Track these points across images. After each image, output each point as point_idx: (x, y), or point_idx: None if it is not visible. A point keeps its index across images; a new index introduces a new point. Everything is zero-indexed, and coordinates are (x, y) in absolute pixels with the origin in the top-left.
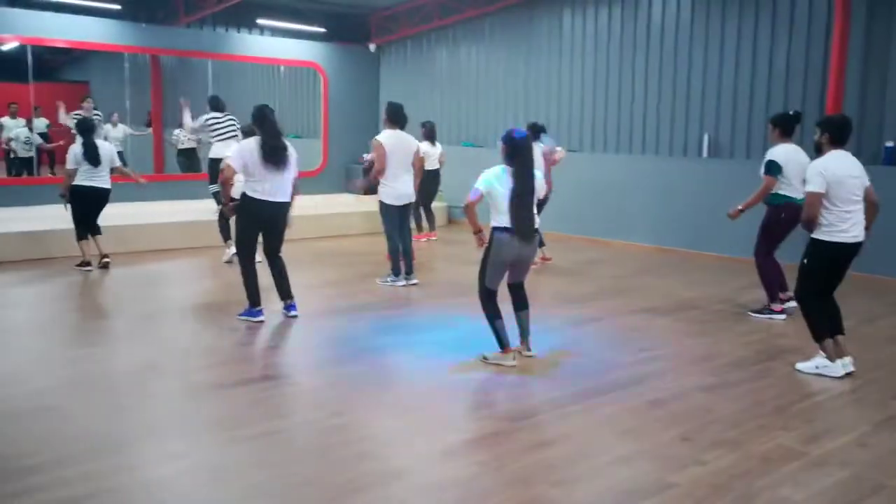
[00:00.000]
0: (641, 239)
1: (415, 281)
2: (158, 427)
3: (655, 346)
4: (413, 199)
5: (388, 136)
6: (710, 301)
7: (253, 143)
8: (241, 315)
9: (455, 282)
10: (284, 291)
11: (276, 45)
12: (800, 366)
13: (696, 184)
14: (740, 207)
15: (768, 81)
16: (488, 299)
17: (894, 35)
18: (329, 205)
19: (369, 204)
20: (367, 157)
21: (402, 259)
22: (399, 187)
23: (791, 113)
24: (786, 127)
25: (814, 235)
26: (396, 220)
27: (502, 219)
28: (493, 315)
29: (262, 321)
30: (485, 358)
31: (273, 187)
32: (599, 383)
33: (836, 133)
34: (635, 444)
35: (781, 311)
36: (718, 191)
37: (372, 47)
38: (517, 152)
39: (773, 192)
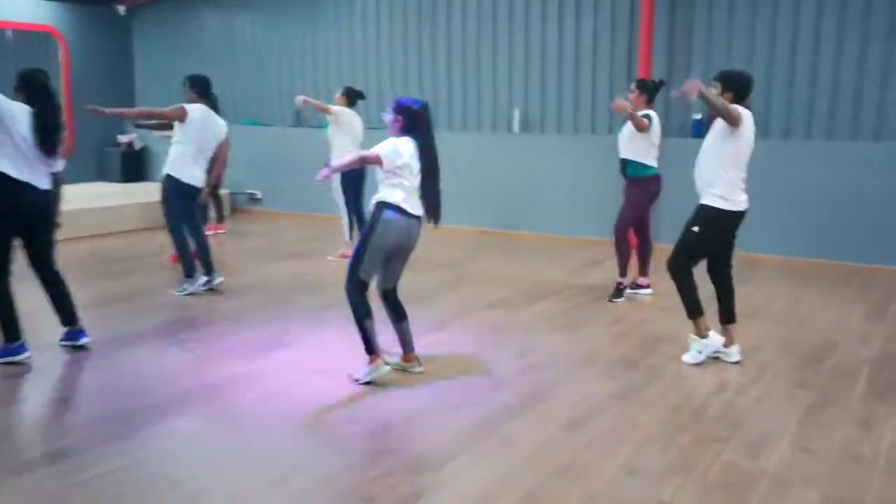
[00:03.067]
0: (453, 220)
1: (220, 279)
2: None
3: (529, 348)
4: (202, 185)
5: (199, 110)
6: (558, 287)
7: (25, 109)
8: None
9: (271, 284)
10: (68, 313)
11: (2, 4)
12: (686, 358)
13: (509, 161)
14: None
15: (576, 56)
16: (359, 293)
17: (698, 7)
18: (85, 197)
19: (138, 195)
20: (123, 138)
21: (195, 256)
22: (195, 170)
23: (656, 80)
24: (653, 94)
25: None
26: (184, 206)
27: (395, 195)
28: (363, 313)
29: (27, 358)
30: (355, 380)
31: (35, 169)
32: (500, 403)
33: (741, 91)
34: (581, 486)
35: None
36: (532, 167)
37: (121, 9)
38: (418, 123)
39: (642, 163)
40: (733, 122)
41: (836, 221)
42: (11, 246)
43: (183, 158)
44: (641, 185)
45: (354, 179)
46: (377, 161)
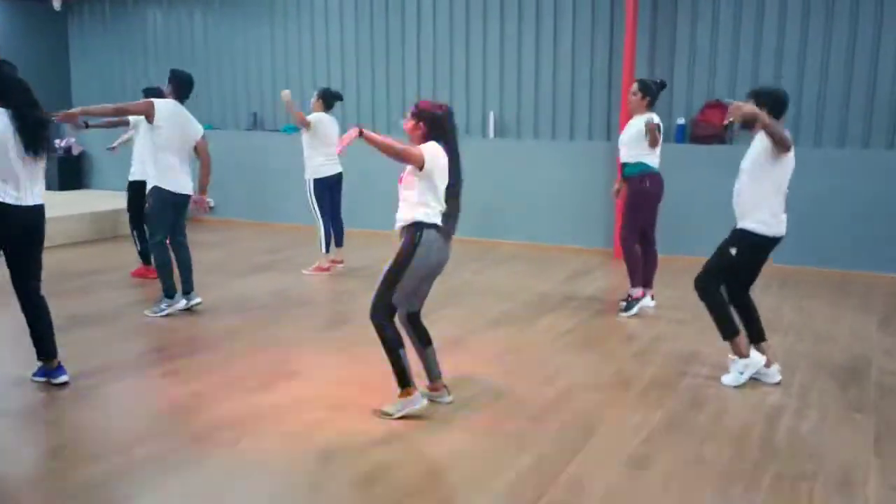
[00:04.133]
0: None
1: (198, 300)
2: None
3: (553, 370)
4: (192, 192)
5: (169, 105)
6: (558, 300)
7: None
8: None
9: (251, 302)
10: (47, 346)
11: None
12: (726, 380)
13: (483, 167)
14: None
15: (553, 59)
16: (389, 321)
17: (681, 12)
18: None
19: (82, 204)
20: (60, 143)
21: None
22: (185, 175)
23: (658, 81)
24: (655, 96)
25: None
26: (171, 219)
27: (433, 212)
28: (396, 342)
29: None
30: (387, 414)
31: (26, 184)
32: (549, 439)
33: (778, 109)
34: None
35: (639, 295)
36: (508, 173)
37: (56, 4)
38: (442, 130)
39: (640, 161)
40: (786, 148)
41: (816, 227)
42: None
43: (171, 168)
44: (639, 184)
45: (330, 186)
46: (419, 160)
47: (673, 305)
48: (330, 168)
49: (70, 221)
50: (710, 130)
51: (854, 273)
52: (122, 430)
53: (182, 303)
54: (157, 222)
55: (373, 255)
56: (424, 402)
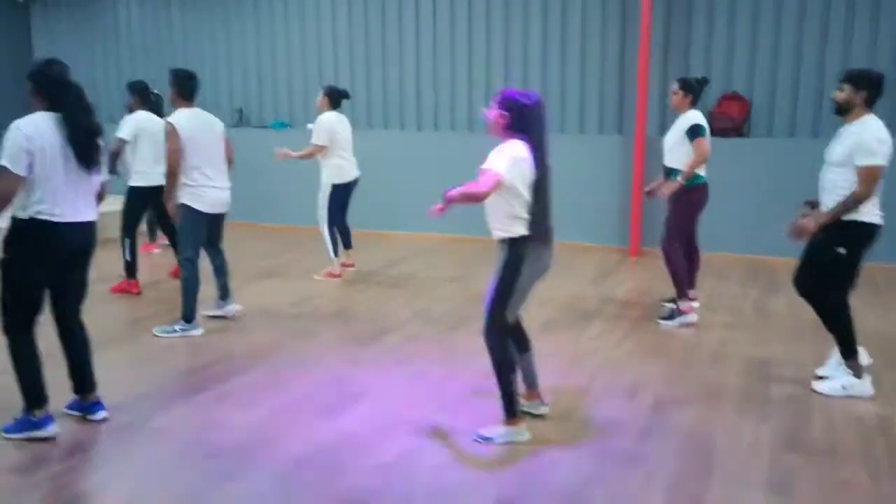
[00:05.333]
0: (426, 227)
1: (238, 307)
2: None
3: (632, 381)
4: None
5: (185, 119)
6: (594, 304)
7: (47, 122)
8: (16, 430)
9: (275, 312)
10: (86, 380)
11: None
12: (824, 389)
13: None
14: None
15: (561, 49)
16: (504, 341)
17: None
18: None
19: None
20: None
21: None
22: (216, 189)
23: (700, 78)
24: (698, 94)
25: (852, 217)
26: (204, 235)
27: (529, 221)
28: (510, 366)
29: (53, 435)
30: (486, 439)
31: (75, 199)
32: (668, 460)
33: (874, 92)
34: None
35: (688, 310)
36: None
37: None
38: (530, 122)
39: (679, 167)
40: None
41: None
42: (42, 294)
43: (205, 183)
44: (686, 196)
45: (343, 193)
46: (495, 185)
47: (706, 305)
48: (350, 172)
49: None
50: (727, 123)
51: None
52: (195, 470)
53: (198, 330)
54: (189, 239)
55: (378, 257)
56: (528, 436)
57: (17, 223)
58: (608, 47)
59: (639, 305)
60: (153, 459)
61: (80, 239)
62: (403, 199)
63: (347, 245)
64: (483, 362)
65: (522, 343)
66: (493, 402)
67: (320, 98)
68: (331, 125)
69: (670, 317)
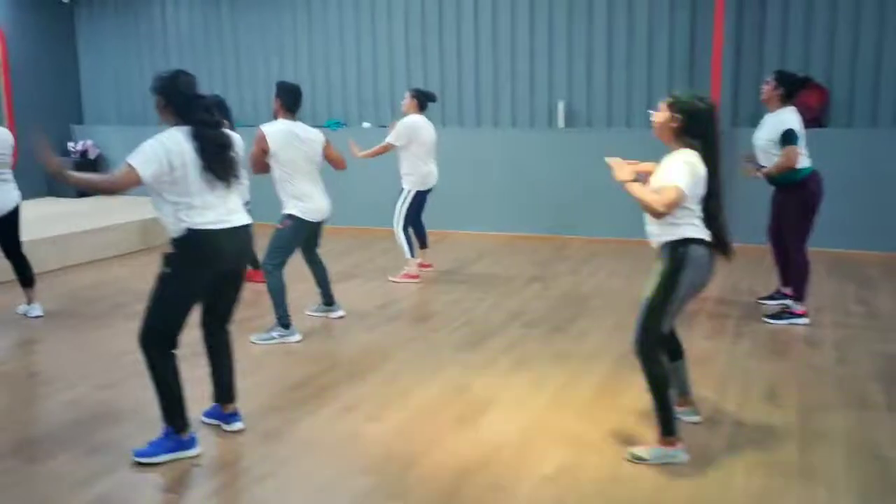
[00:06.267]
0: (490, 227)
1: (341, 312)
2: None
3: (765, 385)
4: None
5: (276, 129)
6: (693, 304)
7: (184, 137)
8: (156, 453)
9: (364, 311)
10: (227, 390)
11: None
12: None
13: (552, 159)
14: (761, 173)
15: (627, 39)
16: (658, 354)
17: None
18: (55, 216)
19: (116, 210)
20: (76, 146)
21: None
22: (318, 197)
23: (801, 76)
24: (793, 92)
25: None
26: (298, 244)
27: (694, 224)
28: (665, 381)
29: (197, 457)
30: (640, 459)
31: (225, 207)
32: (859, 474)
33: None
34: None
35: (805, 313)
36: (580, 165)
37: None
38: (703, 127)
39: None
40: None
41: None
42: (190, 312)
43: (304, 194)
44: (792, 191)
45: (422, 198)
46: (679, 197)
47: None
48: (432, 179)
49: (115, 231)
50: (806, 114)
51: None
52: (354, 488)
53: (296, 336)
54: (280, 249)
55: (447, 257)
56: (687, 457)
57: (175, 241)
58: (676, 37)
59: (737, 304)
60: (307, 476)
61: (237, 244)
62: (464, 197)
63: (424, 245)
64: (602, 367)
65: (676, 350)
66: (629, 410)
67: (407, 100)
68: (414, 128)
69: (779, 316)
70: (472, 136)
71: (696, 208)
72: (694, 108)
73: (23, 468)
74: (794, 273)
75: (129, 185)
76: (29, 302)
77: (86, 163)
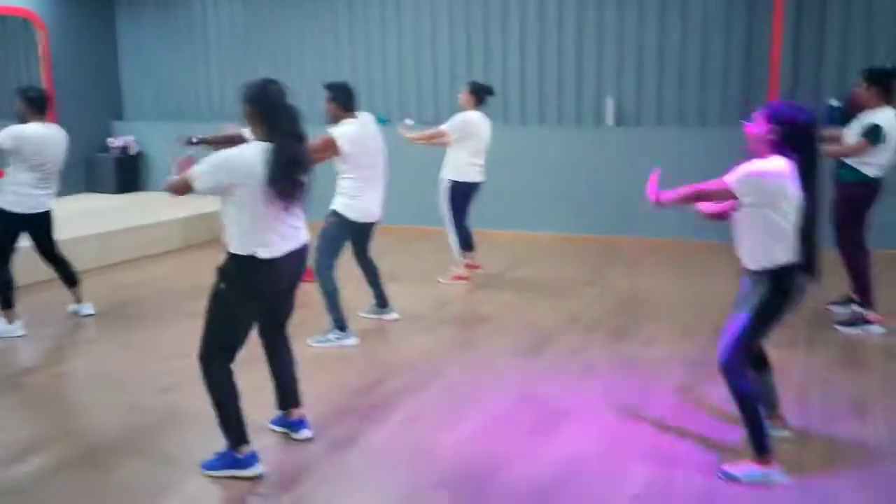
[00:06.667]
0: (535, 227)
1: (395, 315)
2: None
3: (847, 397)
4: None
5: (351, 132)
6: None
7: (258, 154)
8: (218, 467)
9: (415, 314)
10: (292, 395)
11: None
12: None
13: (603, 158)
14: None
15: (682, 32)
16: (745, 373)
17: None
18: (92, 213)
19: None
20: (116, 142)
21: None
22: (372, 198)
23: (889, 67)
24: (887, 86)
25: None
26: (344, 243)
27: (790, 250)
28: (754, 397)
29: (257, 475)
30: (731, 477)
31: (285, 228)
32: None
33: None
34: None
35: (878, 321)
36: (630, 164)
37: None
38: (802, 142)
39: (856, 167)
40: None
41: None
42: (249, 329)
43: (361, 194)
44: (842, 190)
45: (469, 193)
46: (723, 194)
47: (883, 307)
48: (477, 173)
49: (157, 229)
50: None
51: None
52: (432, 497)
53: (352, 339)
54: (330, 249)
55: (495, 257)
56: (784, 479)
57: (235, 259)
58: (733, 33)
59: (804, 309)
60: (382, 490)
61: (295, 266)
62: (508, 196)
63: (470, 247)
64: (675, 374)
65: (761, 363)
66: (713, 421)
67: (464, 95)
68: (472, 124)
69: (851, 322)
70: (517, 134)
71: (784, 221)
72: (795, 120)
73: (94, 476)
74: (852, 276)
75: (188, 191)
76: (78, 301)
77: (126, 159)
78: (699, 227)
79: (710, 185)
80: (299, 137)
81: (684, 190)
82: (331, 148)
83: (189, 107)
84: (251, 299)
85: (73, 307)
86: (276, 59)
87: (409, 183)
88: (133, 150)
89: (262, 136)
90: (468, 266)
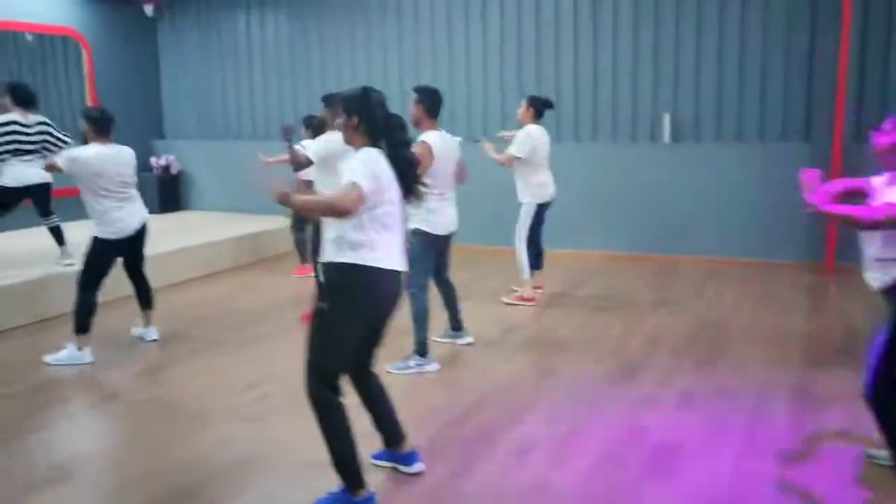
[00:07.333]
0: (592, 245)
1: (470, 338)
2: None
3: None
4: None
5: (435, 138)
6: (815, 335)
7: (380, 155)
8: None
9: (490, 338)
10: (397, 430)
11: (18, 4)
12: None
13: (660, 175)
14: None
15: (740, 46)
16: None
17: None
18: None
19: (206, 227)
20: (158, 161)
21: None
22: (449, 211)
23: None
24: None
25: None
26: (433, 260)
27: None
28: None
29: None
30: None
31: (397, 243)
32: None
33: None
34: None
35: None
36: (688, 181)
37: (148, 10)
38: None
39: None
40: None
41: None
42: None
43: (437, 207)
44: None
45: (541, 213)
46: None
47: None
48: (551, 189)
49: (210, 249)
50: None
51: None
52: None
53: (434, 365)
54: (423, 266)
55: (555, 277)
56: None
57: (343, 268)
58: (794, 39)
59: (864, 336)
60: None
61: (396, 290)
62: (563, 215)
63: (539, 266)
64: (781, 405)
65: None
66: (846, 459)
67: (523, 108)
68: (534, 137)
69: None
70: (569, 151)
71: None
72: None
73: None
74: None
75: (355, 202)
76: (146, 324)
77: (168, 178)
78: (759, 247)
79: (879, 211)
80: (406, 143)
81: (853, 211)
82: (428, 154)
83: (231, 125)
84: (361, 314)
85: (136, 331)
86: (324, 76)
87: (470, 200)
88: (175, 170)
89: (362, 145)
90: (534, 287)
